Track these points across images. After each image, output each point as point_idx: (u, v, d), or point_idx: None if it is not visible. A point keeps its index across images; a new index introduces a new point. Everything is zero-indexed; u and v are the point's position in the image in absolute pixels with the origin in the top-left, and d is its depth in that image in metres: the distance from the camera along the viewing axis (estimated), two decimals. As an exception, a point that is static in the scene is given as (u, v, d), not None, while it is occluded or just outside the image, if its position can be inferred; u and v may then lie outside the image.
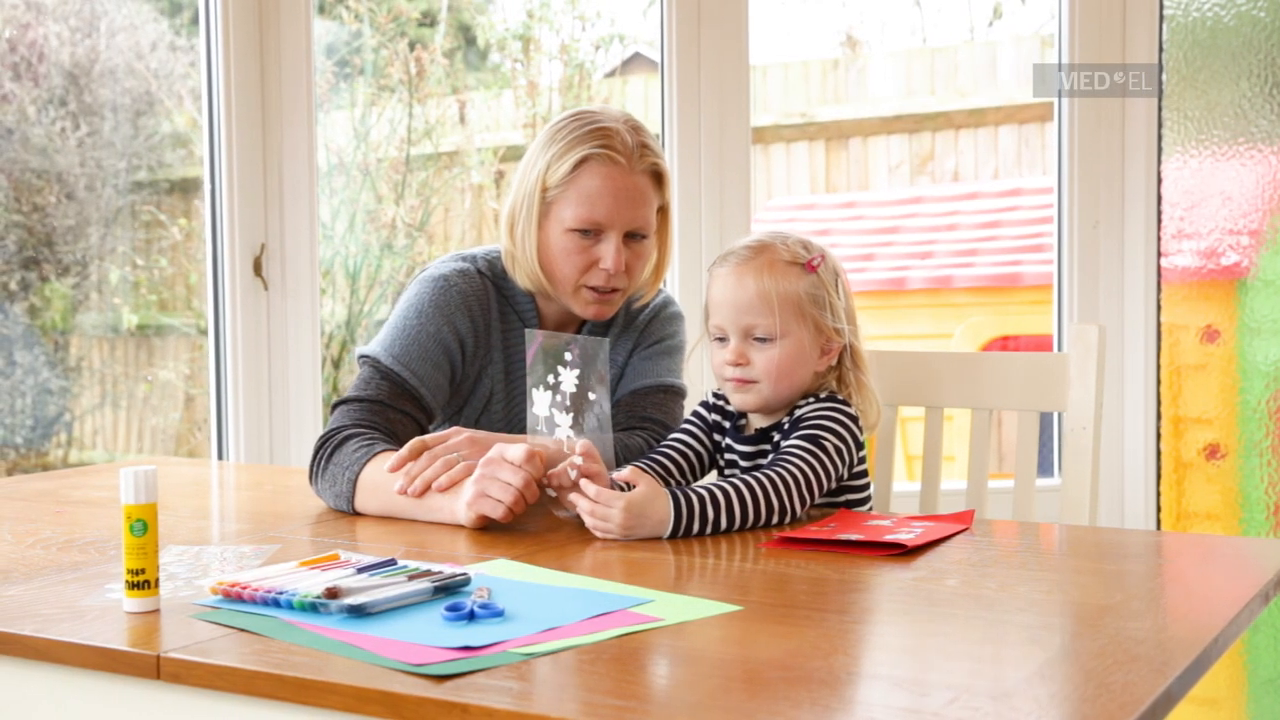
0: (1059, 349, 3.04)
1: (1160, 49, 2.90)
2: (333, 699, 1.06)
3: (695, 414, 1.87)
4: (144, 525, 1.28)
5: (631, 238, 1.92)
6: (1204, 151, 2.89)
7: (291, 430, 2.68)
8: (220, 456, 2.68)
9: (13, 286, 4.75)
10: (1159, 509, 2.97)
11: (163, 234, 4.83)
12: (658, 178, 1.95)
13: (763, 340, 1.72)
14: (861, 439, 1.75)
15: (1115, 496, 3.00)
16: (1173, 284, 2.94)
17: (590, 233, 1.90)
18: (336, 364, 4.34)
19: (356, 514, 1.78)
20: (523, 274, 1.97)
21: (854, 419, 1.74)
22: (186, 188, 5.00)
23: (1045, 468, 4.04)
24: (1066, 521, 1.95)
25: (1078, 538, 1.69)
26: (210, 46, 2.63)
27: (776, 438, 1.76)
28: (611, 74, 4.81)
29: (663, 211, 1.98)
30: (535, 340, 1.69)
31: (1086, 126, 2.96)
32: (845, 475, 1.74)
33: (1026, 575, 1.43)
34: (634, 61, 5.07)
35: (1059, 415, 2.94)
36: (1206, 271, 2.91)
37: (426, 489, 1.71)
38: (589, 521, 1.60)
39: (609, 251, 1.90)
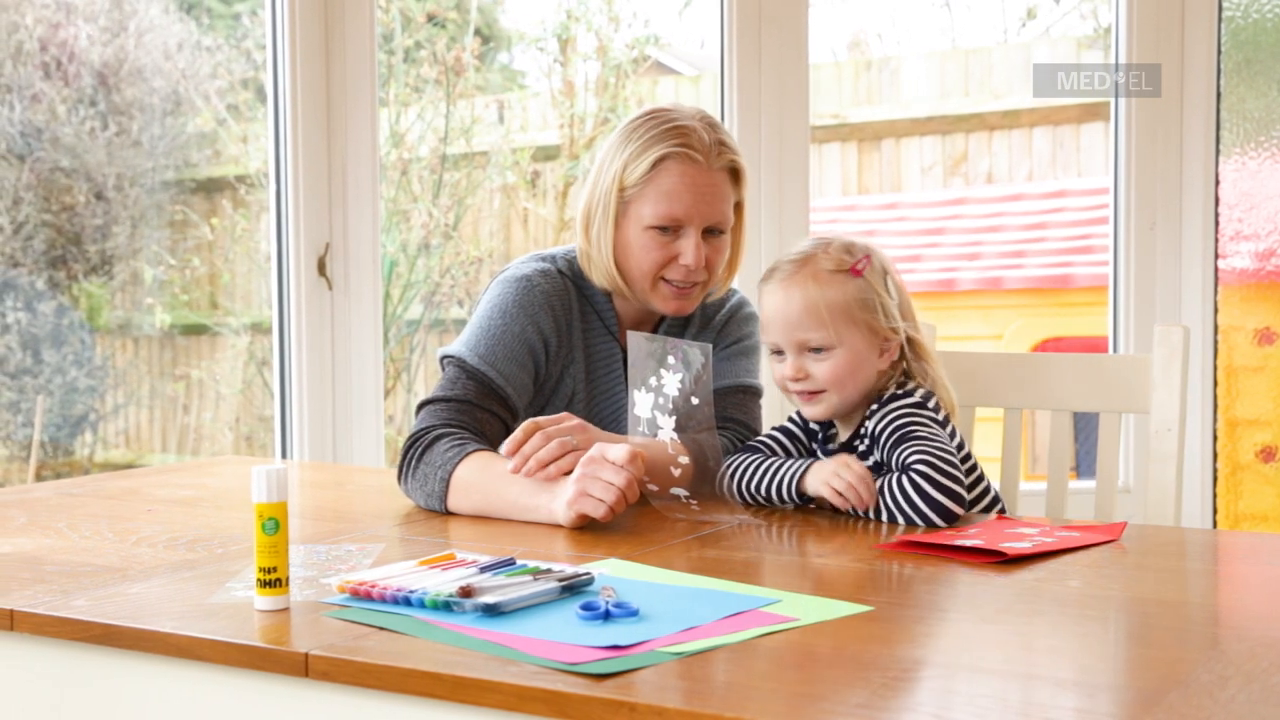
0: (1113, 350, 3.05)
1: (1219, 50, 2.91)
2: (492, 698, 1.05)
3: (782, 428, 1.88)
4: (276, 524, 1.28)
5: (710, 233, 1.94)
6: (1262, 153, 2.89)
7: (354, 429, 2.68)
8: (284, 455, 2.68)
9: (41, 285, 4.75)
10: (1215, 510, 2.97)
11: (193, 234, 4.84)
12: (735, 174, 1.96)
13: (818, 351, 1.73)
14: (949, 427, 1.74)
15: (1171, 498, 3.00)
16: (1229, 285, 2.94)
17: (669, 229, 1.91)
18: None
19: (448, 513, 1.78)
20: (599, 273, 1.97)
21: (927, 411, 1.72)
22: (212, 187, 5.00)
23: (1081, 470, 4.04)
24: (1151, 523, 1.95)
25: (1183, 540, 1.69)
26: (276, 46, 2.63)
27: (860, 448, 1.77)
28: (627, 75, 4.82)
29: (738, 207, 1.99)
30: (637, 342, 1.69)
31: (1144, 127, 2.96)
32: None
33: (1148, 577, 1.43)
34: (650, 67, 5.07)
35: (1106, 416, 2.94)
36: (1265, 274, 2.91)
37: (541, 469, 1.70)
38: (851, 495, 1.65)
39: (688, 247, 1.91)
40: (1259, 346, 2.93)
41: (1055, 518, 1.90)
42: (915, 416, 1.71)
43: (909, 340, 1.78)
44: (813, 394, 1.74)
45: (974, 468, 1.81)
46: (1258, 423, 2.94)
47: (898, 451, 1.68)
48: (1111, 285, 3.05)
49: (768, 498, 1.76)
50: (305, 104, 2.62)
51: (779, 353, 1.77)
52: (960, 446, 1.76)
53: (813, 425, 1.84)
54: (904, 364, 1.79)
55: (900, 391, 1.74)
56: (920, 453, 1.65)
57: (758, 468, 1.78)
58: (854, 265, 1.73)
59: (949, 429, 1.74)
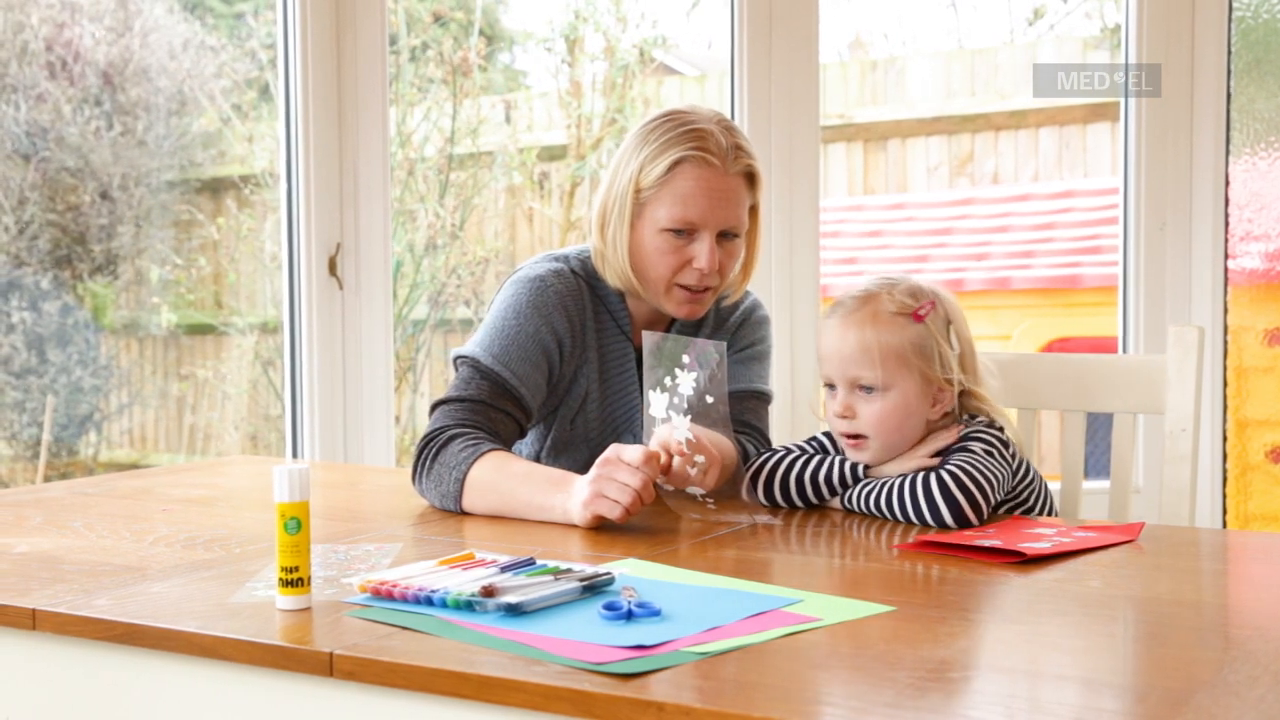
0: (1123, 350, 3.05)
1: (1229, 50, 2.91)
2: (519, 697, 1.05)
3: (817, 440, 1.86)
4: (298, 523, 1.28)
5: (724, 237, 1.93)
6: (1272, 153, 2.89)
7: (365, 429, 2.68)
8: (294, 455, 2.68)
9: (46, 285, 4.74)
10: (1225, 511, 2.97)
11: (198, 233, 4.84)
12: (750, 178, 1.95)
13: (868, 390, 1.71)
14: (1014, 449, 1.73)
15: (1180, 498, 3.00)
16: (1239, 286, 2.94)
17: (683, 233, 1.90)
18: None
19: (463, 513, 1.77)
20: (613, 273, 1.97)
21: (993, 431, 1.71)
22: (217, 187, 5.00)
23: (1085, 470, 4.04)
24: (1165, 524, 1.95)
25: (1201, 540, 1.69)
26: (287, 46, 2.63)
27: None
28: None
29: (753, 211, 1.99)
30: (652, 343, 1.68)
31: (1153, 127, 2.96)
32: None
33: (1168, 577, 1.43)
34: (656, 69, 5.07)
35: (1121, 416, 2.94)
36: (1275, 274, 2.91)
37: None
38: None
39: (703, 251, 1.90)
40: (1269, 347, 2.93)
41: (1070, 518, 1.90)
42: (981, 435, 1.69)
43: (966, 393, 1.74)
44: (857, 438, 1.72)
45: (1029, 475, 1.78)
46: (1267, 423, 2.94)
47: (944, 457, 1.68)
48: (1121, 286, 3.05)
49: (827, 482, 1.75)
50: (316, 104, 2.62)
51: (831, 387, 1.75)
52: (1026, 471, 1.76)
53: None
54: (953, 415, 1.75)
55: (981, 423, 1.73)
56: (958, 463, 1.65)
57: (816, 463, 1.76)
58: (916, 310, 1.71)
59: (1011, 450, 1.72)
